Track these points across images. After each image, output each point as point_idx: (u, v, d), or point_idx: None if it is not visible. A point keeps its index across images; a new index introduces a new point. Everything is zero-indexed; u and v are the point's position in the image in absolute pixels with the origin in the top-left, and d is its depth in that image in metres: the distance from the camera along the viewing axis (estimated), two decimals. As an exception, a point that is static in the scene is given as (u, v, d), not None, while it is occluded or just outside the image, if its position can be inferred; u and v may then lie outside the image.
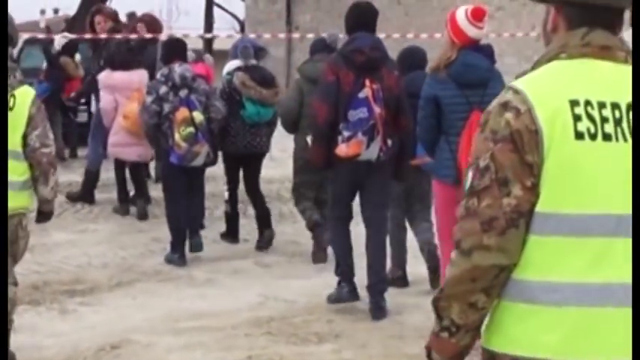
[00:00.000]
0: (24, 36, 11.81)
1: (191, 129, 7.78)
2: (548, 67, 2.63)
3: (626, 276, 2.51)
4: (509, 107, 2.54)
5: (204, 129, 7.91)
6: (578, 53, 2.61)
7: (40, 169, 5.35)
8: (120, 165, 9.79)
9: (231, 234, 8.75)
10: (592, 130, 2.52)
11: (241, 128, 8.38)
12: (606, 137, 2.52)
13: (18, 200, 5.23)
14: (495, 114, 2.56)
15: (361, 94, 6.36)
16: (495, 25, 21.81)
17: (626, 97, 2.57)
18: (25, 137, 5.28)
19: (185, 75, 8.02)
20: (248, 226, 8.77)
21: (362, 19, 6.63)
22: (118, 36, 10.06)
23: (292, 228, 9.13)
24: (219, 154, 8.44)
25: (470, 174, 2.58)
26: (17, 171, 5.26)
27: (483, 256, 2.53)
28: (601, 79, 2.59)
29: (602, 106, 2.54)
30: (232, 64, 8.67)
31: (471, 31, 6.03)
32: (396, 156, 6.55)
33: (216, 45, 43.99)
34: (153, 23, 11.01)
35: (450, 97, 5.99)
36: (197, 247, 8.10)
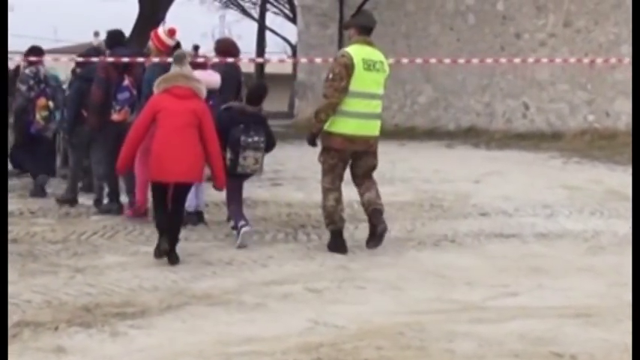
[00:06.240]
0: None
1: (47, 112, 12.54)
2: (350, 47, 9.32)
3: (375, 110, 9.36)
4: (344, 54, 9.27)
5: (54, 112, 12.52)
6: (357, 42, 9.34)
7: None
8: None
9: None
10: (366, 67, 9.20)
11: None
12: (370, 70, 9.22)
13: None
14: (338, 57, 9.35)
15: (125, 83, 10.92)
16: (548, 51, 21.59)
17: (375, 58, 9.32)
18: None
19: (45, 74, 12.62)
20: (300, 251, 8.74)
21: (119, 39, 11.49)
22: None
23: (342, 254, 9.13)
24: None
25: (329, 76, 9.25)
26: None
27: (330, 99, 9.18)
28: (367, 52, 9.28)
29: (370, 60, 9.25)
30: None
31: (168, 42, 10.74)
32: None
33: (268, 69, 44.23)
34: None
35: None
36: (43, 181, 12.65)
